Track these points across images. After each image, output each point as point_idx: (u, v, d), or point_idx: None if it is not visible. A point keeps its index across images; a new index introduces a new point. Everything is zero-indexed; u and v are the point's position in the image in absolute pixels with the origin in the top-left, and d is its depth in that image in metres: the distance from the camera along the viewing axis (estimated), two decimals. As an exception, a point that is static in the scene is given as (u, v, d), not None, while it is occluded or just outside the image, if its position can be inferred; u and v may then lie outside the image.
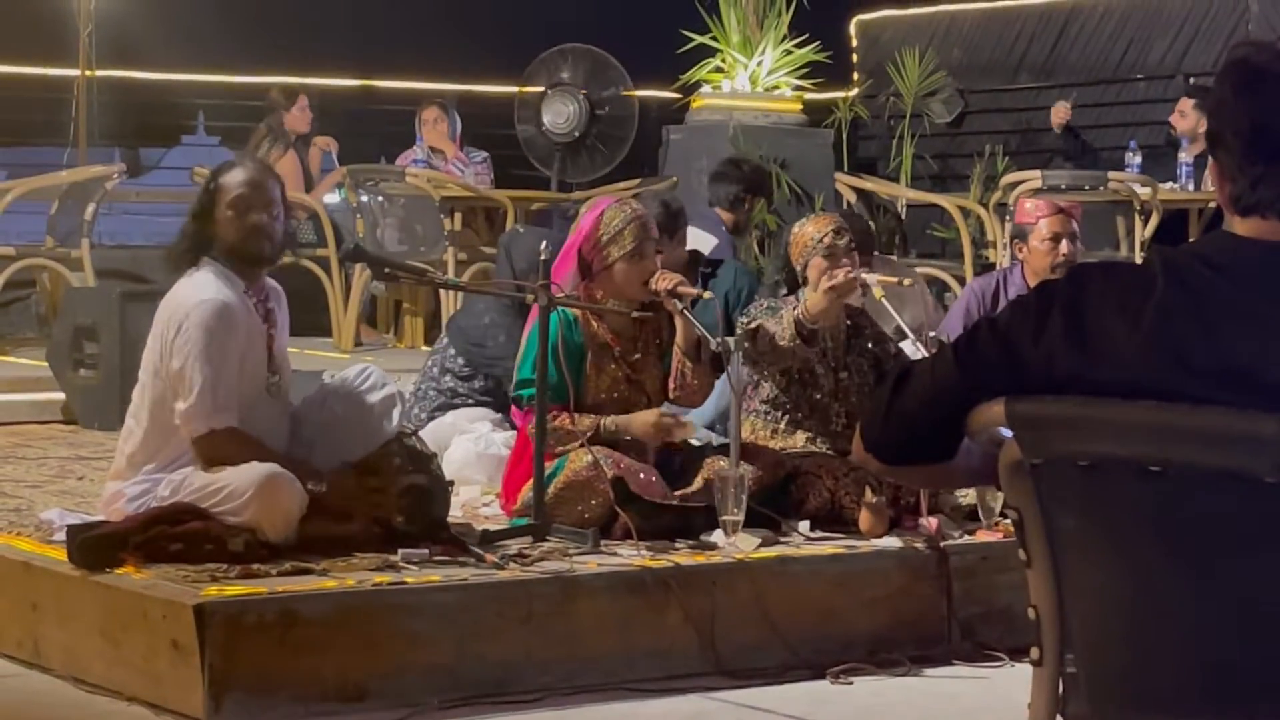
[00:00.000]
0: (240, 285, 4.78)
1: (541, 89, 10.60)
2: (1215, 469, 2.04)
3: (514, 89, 10.98)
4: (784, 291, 5.72)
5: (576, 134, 10.59)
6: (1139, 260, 2.52)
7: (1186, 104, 9.39)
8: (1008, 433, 2.19)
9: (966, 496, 5.52)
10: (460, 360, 6.25)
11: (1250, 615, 2.07)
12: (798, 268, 5.62)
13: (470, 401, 6.21)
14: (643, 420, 5.13)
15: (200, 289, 4.71)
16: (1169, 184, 9.09)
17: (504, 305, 6.19)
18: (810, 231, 5.61)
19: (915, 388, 2.28)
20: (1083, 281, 2.19)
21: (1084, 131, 11.57)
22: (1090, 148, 10.01)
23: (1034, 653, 2.26)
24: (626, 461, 5.06)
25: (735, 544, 4.93)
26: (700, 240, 8.28)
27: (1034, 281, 6.32)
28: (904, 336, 5.87)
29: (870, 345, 5.74)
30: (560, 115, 10.55)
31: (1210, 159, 2.26)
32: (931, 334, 5.93)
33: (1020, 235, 6.49)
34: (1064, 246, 6.33)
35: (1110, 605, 2.16)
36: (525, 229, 7.25)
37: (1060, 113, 9.57)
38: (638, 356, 5.30)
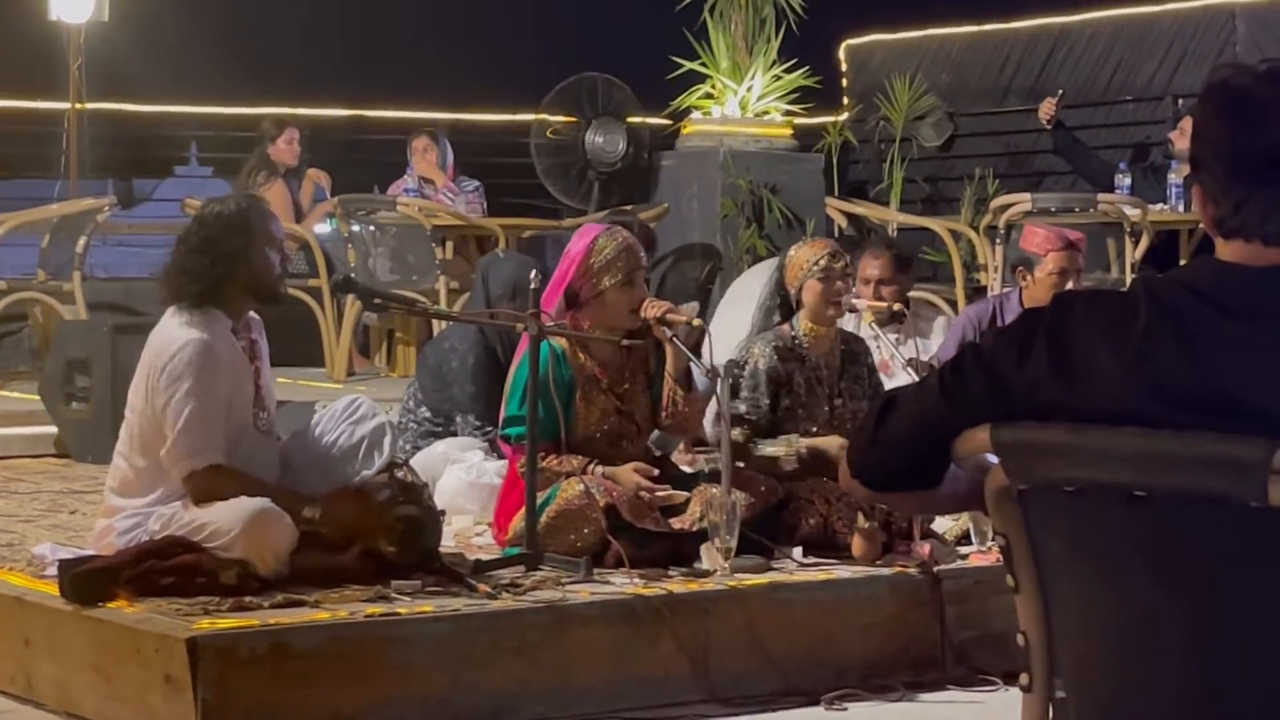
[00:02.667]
0: (228, 323, 4.77)
1: (573, 118, 10.59)
2: (1200, 494, 2.04)
3: (505, 117, 11.00)
4: (777, 319, 5.72)
5: (619, 164, 10.60)
6: (1128, 283, 2.52)
7: (1189, 123, 9.38)
8: (994, 459, 2.19)
9: (959, 520, 5.52)
10: (422, 391, 6.25)
11: (1237, 641, 2.07)
12: (792, 291, 5.62)
13: (449, 432, 6.19)
14: (628, 479, 5.11)
15: (187, 328, 4.69)
16: (1159, 205, 9.10)
17: (466, 330, 6.18)
18: (806, 255, 5.61)
19: (901, 414, 2.29)
20: (1067, 309, 2.19)
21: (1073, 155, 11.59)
22: (1081, 143, 9.96)
23: (1023, 678, 2.25)
24: (619, 490, 5.06)
25: (728, 570, 4.92)
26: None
27: None
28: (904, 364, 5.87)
29: (864, 371, 5.74)
30: (612, 144, 10.56)
31: (1193, 184, 2.27)
32: (925, 359, 5.94)
33: (1025, 264, 6.47)
34: (1070, 283, 6.31)
35: (1097, 630, 2.16)
36: (505, 254, 7.23)
37: (1047, 108, 9.54)
38: (626, 387, 5.30)
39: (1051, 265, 6.37)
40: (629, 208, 9.79)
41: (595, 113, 10.68)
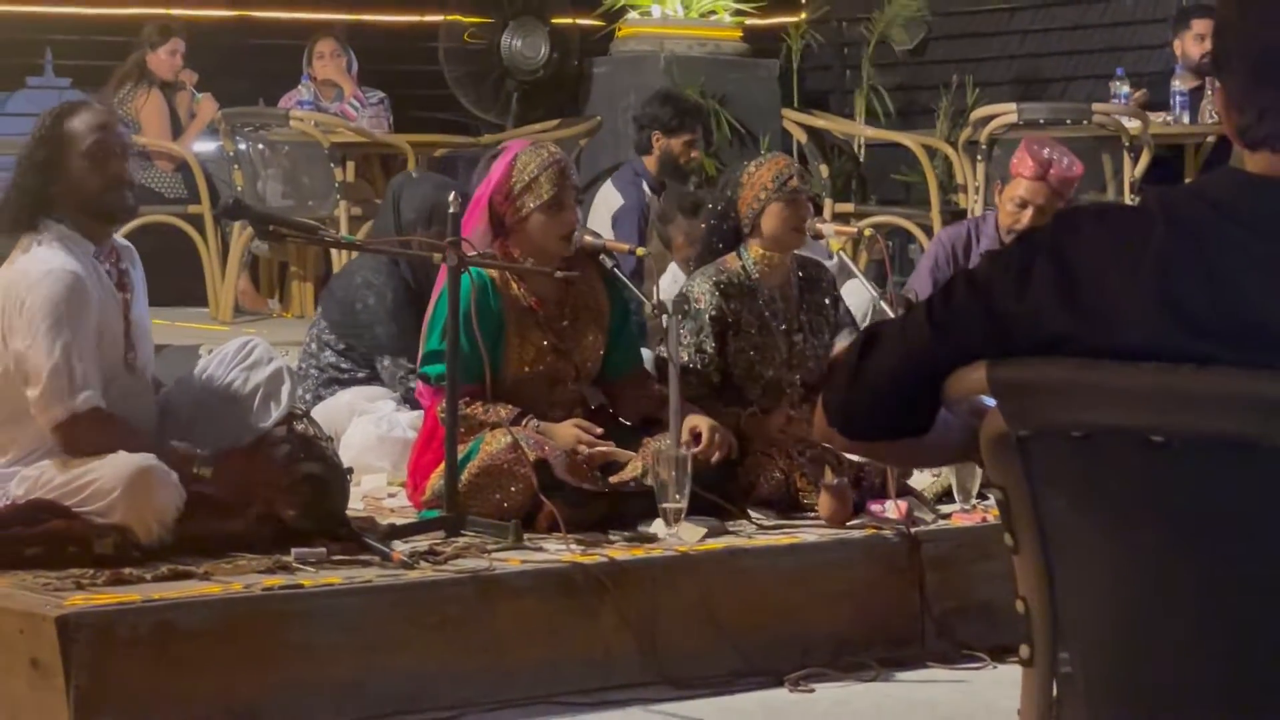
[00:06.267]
0: (89, 248, 4.75)
1: (493, 19, 10.54)
2: (1225, 437, 2.05)
3: (412, 18, 10.94)
4: (719, 245, 5.70)
5: (542, 71, 10.56)
6: (1132, 203, 2.53)
7: (1201, 25, 9.40)
8: (990, 402, 2.20)
9: (939, 476, 5.56)
10: (332, 333, 6.23)
11: (1262, 602, 2.09)
12: (747, 216, 5.61)
13: (357, 379, 6.18)
14: (565, 436, 5.12)
15: (43, 259, 4.66)
16: (1162, 116, 9.14)
17: (378, 262, 6.15)
18: (767, 174, 5.61)
19: (884, 353, 2.29)
20: (1072, 229, 2.20)
21: (1064, 59, 11.63)
22: None
23: (1023, 651, 2.27)
24: (551, 444, 5.07)
25: (678, 535, 4.94)
26: (606, 201, 8.30)
27: (1005, 238, 6.35)
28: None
29: (826, 301, 5.76)
30: (532, 48, 10.51)
31: (1213, 88, 2.28)
32: (903, 292, 5.97)
33: (1004, 179, 6.52)
34: (1028, 217, 6.33)
35: (1109, 594, 2.18)
36: (419, 174, 7.19)
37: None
38: (565, 324, 5.31)
39: (1014, 190, 6.40)
40: (556, 122, 9.77)
41: (513, 12, 10.63)
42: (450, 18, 10.69)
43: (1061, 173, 6.43)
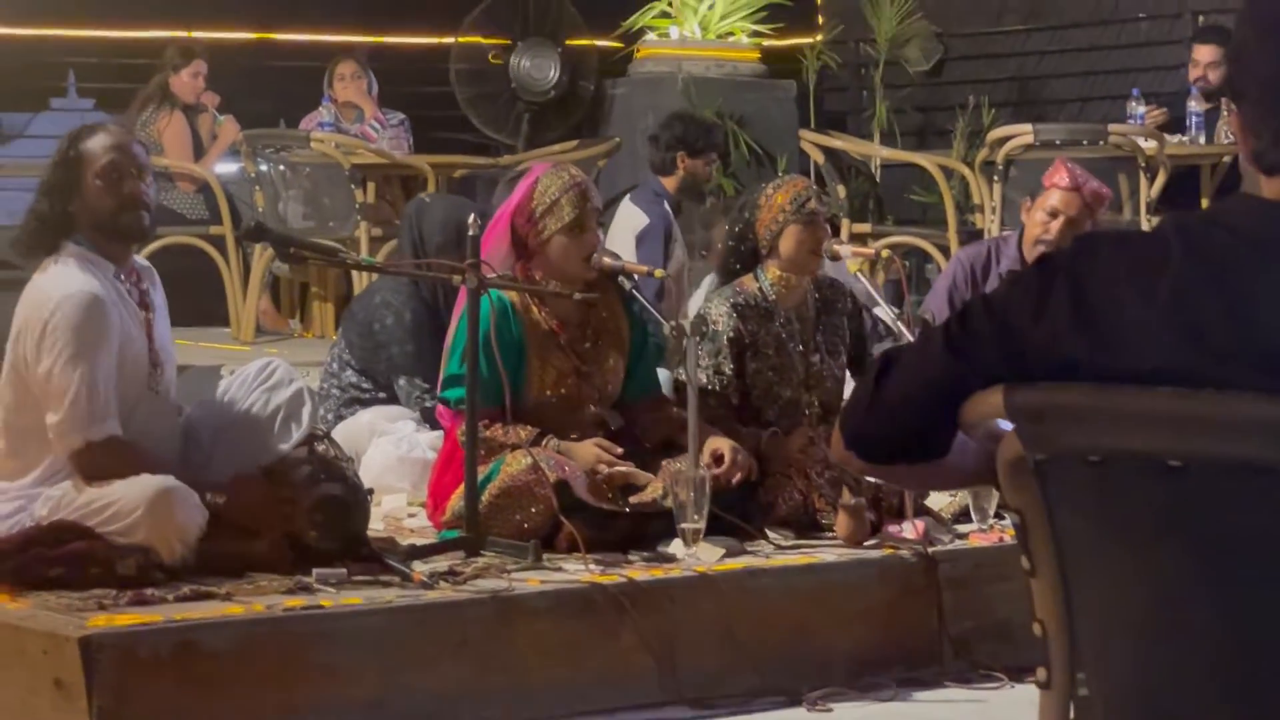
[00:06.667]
0: (110, 269, 4.76)
1: (506, 40, 10.56)
2: (1243, 462, 2.05)
3: (432, 40, 10.95)
4: (737, 266, 5.70)
5: (552, 92, 10.57)
6: (1147, 226, 2.53)
7: (1203, 52, 9.41)
8: (1008, 425, 2.20)
9: (956, 495, 5.55)
10: (350, 353, 6.23)
11: (1283, 627, 2.09)
12: (765, 238, 5.62)
13: (378, 399, 6.18)
14: (586, 456, 5.12)
15: (64, 281, 4.68)
16: (1177, 137, 9.14)
17: (398, 283, 6.16)
18: (786, 195, 5.61)
19: (901, 376, 2.29)
20: (1089, 254, 2.20)
21: (1080, 80, 11.63)
22: None
23: (1040, 673, 2.27)
24: (571, 464, 5.07)
25: (696, 555, 4.94)
26: (628, 220, 8.30)
27: (1028, 254, 6.35)
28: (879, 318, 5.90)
29: (846, 321, 5.76)
30: (541, 70, 10.53)
31: (1229, 110, 2.28)
32: (920, 312, 5.96)
33: (1034, 194, 6.51)
34: (1057, 227, 6.32)
35: (1126, 618, 2.17)
36: (433, 198, 7.20)
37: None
38: (588, 345, 5.31)
39: (1046, 200, 6.39)
40: (574, 143, 9.78)
41: (524, 33, 10.65)
42: (462, 39, 10.70)
43: (1095, 189, 6.45)
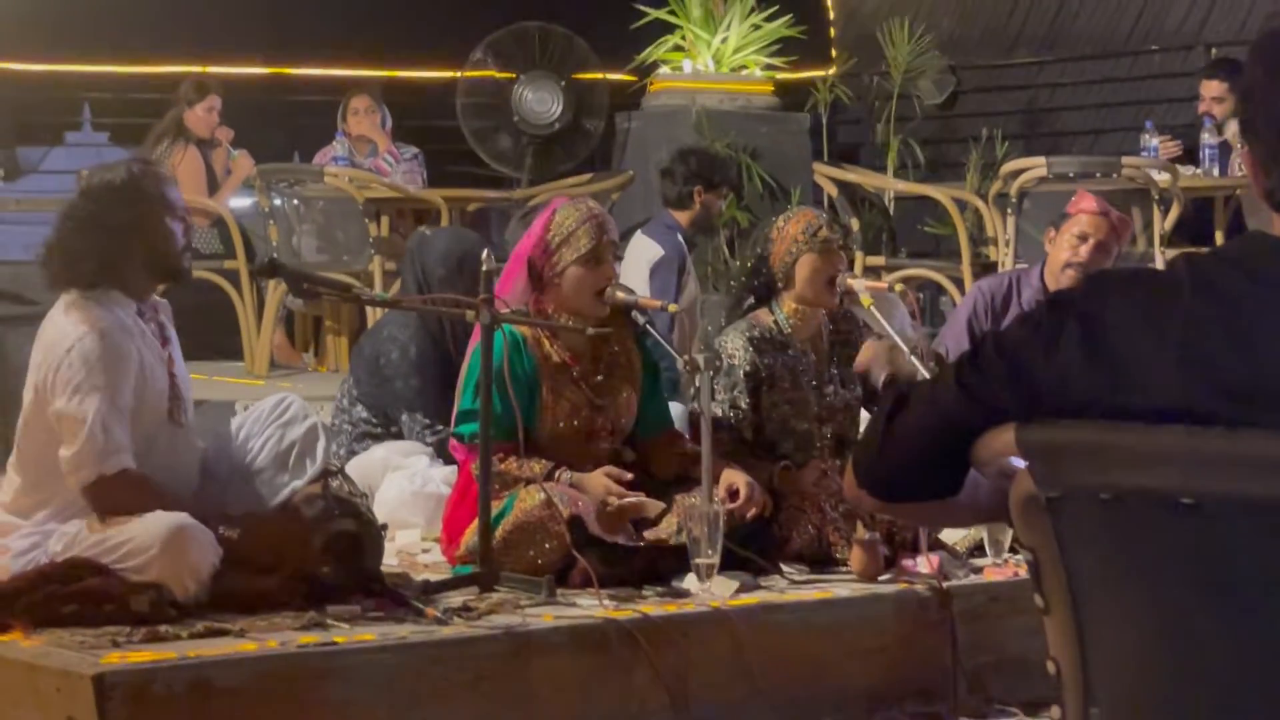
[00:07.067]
0: (132, 306, 4.77)
1: (512, 75, 10.59)
2: (1256, 500, 2.05)
3: (446, 74, 10.97)
4: (750, 300, 5.70)
5: (556, 125, 10.59)
6: (1162, 259, 2.53)
7: (1210, 87, 9.42)
8: (1020, 463, 2.20)
9: (971, 529, 5.55)
10: (357, 388, 6.23)
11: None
12: (780, 268, 5.61)
13: (390, 434, 6.18)
14: (597, 486, 5.12)
15: (83, 315, 4.68)
16: (1191, 169, 9.13)
17: (405, 317, 6.16)
18: (799, 226, 5.61)
19: (913, 415, 2.29)
20: (1100, 291, 2.20)
21: (1093, 113, 11.64)
22: None
23: (1054, 712, 2.26)
24: (585, 499, 5.07)
25: (710, 590, 4.93)
26: (642, 252, 8.31)
27: (1052, 283, 6.33)
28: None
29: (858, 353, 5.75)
30: (544, 104, 10.55)
31: (1241, 147, 2.28)
32: (935, 346, 5.95)
33: (1058, 222, 6.51)
34: (1087, 250, 6.31)
35: (1140, 657, 2.17)
36: (434, 231, 7.20)
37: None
38: (600, 379, 5.31)
39: (1074, 226, 6.39)
40: (588, 176, 9.80)
41: (529, 66, 10.67)
42: (468, 74, 10.73)
43: (1120, 216, 6.46)
